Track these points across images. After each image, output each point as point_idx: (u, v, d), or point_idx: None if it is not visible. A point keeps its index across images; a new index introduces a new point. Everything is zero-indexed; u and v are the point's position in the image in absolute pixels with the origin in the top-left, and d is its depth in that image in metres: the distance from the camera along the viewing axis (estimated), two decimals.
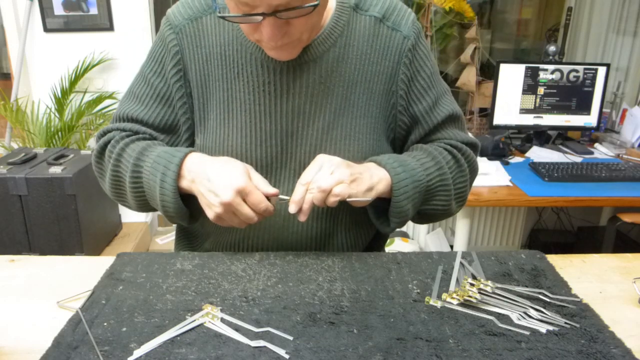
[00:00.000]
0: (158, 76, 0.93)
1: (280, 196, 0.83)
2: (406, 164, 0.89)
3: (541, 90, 2.41)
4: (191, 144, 0.96)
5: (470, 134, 1.03)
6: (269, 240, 0.94)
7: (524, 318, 0.72)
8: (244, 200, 0.80)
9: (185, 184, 0.85)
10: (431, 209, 0.94)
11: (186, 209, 0.87)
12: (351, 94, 0.91)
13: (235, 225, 0.83)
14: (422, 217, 0.97)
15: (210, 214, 0.82)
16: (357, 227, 0.99)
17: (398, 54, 0.92)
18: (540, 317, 0.72)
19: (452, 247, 2.57)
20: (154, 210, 0.93)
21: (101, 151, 0.94)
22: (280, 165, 0.92)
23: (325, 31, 0.89)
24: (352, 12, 0.91)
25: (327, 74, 0.89)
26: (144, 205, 0.92)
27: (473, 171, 1.01)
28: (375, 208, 0.93)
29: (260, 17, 0.74)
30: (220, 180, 0.80)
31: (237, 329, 0.68)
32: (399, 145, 1.01)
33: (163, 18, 0.94)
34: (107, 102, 2.59)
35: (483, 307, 0.74)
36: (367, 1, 0.92)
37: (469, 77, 2.59)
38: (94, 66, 2.52)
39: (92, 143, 2.60)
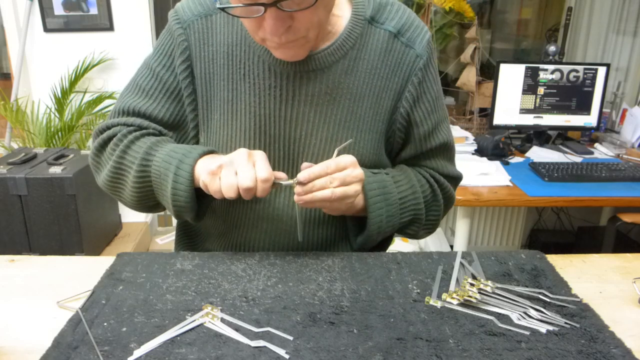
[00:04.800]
0: (167, 70, 0.90)
1: (282, 182, 0.80)
2: (388, 198, 0.91)
3: (541, 90, 2.41)
4: (197, 141, 0.95)
5: (455, 166, 1.06)
6: (270, 243, 0.94)
7: (524, 318, 0.72)
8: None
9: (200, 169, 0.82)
10: (401, 234, 1.00)
11: (196, 201, 0.84)
12: (358, 107, 0.90)
13: (224, 188, 0.76)
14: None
15: (212, 165, 0.78)
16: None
17: (409, 72, 0.91)
18: (540, 317, 0.72)
19: (452, 247, 2.57)
20: (150, 208, 0.91)
21: (103, 144, 0.91)
22: (282, 171, 0.91)
23: (337, 41, 0.87)
24: (367, 24, 0.89)
25: (334, 85, 0.88)
26: (142, 199, 0.89)
27: (448, 204, 1.04)
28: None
29: (262, 9, 0.72)
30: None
31: (237, 329, 0.68)
32: (391, 159, 1.00)
33: (170, 12, 0.92)
34: (107, 102, 2.59)
35: (483, 307, 0.74)
36: (384, 14, 0.90)
37: (469, 77, 2.59)
38: (94, 66, 2.52)
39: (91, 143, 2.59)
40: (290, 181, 0.80)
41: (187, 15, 0.89)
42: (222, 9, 0.76)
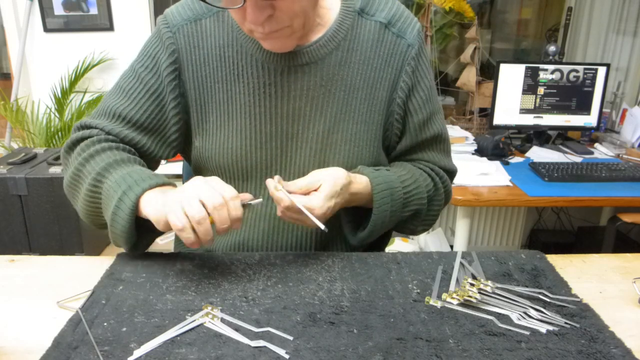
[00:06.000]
0: (150, 72, 0.90)
1: (252, 202, 0.79)
2: (394, 193, 0.90)
3: (541, 90, 2.41)
4: (179, 144, 0.95)
5: (451, 160, 1.05)
6: (269, 242, 0.94)
7: (524, 318, 0.72)
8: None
9: (151, 195, 0.77)
10: (400, 229, 0.99)
11: (134, 232, 0.79)
12: (352, 99, 0.90)
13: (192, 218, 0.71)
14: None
15: (178, 197, 0.73)
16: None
17: (401, 61, 0.92)
18: (540, 317, 0.72)
19: (452, 247, 2.57)
20: (101, 226, 0.86)
21: (72, 145, 0.89)
22: (280, 168, 0.92)
23: (328, 33, 0.88)
24: (357, 16, 0.90)
25: (329, 77, 0.88)
26: (91, 214, 0.85)
27: (447, 198, 1.03)
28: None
29: None
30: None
31: (237, 329, 0.68)
32: (388, 155, 1.00)
33: (160, 17, 0.92)
34: None
35: (483, 307, 0.74)
36: (373, 6, 0.91)
37: (469, 77, 2.59)
38: (94, 66, 2.52)
39: None
40: (259, 200, 0.81)
41: (176, 19, 0.89)
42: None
